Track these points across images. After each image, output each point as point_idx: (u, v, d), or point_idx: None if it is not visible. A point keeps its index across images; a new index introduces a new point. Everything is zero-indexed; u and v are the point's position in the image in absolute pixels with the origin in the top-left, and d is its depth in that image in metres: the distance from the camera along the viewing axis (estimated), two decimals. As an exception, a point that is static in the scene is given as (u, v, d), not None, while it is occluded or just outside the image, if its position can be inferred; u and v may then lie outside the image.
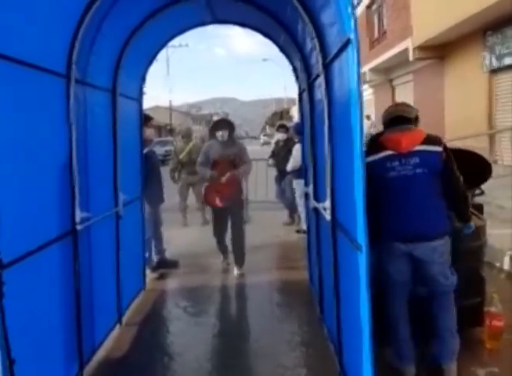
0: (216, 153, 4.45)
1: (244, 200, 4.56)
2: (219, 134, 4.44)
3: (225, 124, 4.55)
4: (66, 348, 2.51)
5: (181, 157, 6.83)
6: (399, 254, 2.48)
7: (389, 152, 2.43)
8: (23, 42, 2.02)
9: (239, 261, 4.62)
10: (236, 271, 4.57)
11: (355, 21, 1.77)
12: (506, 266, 4.34)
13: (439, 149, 2.41)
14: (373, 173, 2.33)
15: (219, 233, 4.68)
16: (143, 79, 4.17)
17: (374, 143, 2.56)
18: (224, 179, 4.37)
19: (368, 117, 14.79)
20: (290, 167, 6.01)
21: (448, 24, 8.99)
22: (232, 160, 4.44)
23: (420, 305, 2.59)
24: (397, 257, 2.49)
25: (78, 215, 2.56)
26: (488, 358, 2.76)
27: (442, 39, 10.06)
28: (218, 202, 4.45)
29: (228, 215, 4.57)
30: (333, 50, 2.26)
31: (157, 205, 4.73)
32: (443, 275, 2.49)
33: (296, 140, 6.03)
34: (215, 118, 4.93)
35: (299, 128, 5.66)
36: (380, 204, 2.44)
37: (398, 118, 2.53)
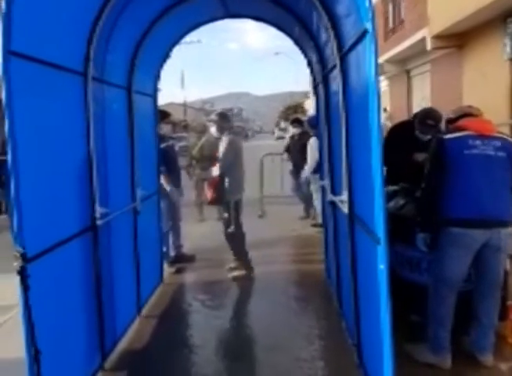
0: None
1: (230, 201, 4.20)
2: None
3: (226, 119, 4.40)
4: (88, 339, 2.58)
5: (194, 153, 6.88)
6: (467, 246, 2.44)
7: (470, 132, 2.46)
8: (41, 41, 2.06)
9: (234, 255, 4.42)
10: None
11: (373, 12, 1.74)
12: (528, 259, 4.24)
13: None
14: (451, 150, 2.42)
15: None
16: (158, 76, 4.20)
17: (450, 129, 2.63)
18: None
19: (385, 110, 14.57)
20: (308, 170, 5.87)
21: (466, 12, 8.74)
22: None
23: (459, 296, 2.57)
24: (464, 251, 2.45)
25: (98, 210, 2.61)
26: (511, 353, 2.71)
27: (460, 27, 9.79)
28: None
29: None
30: (349, 41, 2.23)
31: (176, 199, 4.77)
32: (503, 266, 2.53)
33: (311, 134, 5.99)
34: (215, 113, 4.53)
35: (313, 122, 5.62)
36: (455, 183, 2.43)
37: (470, 115, 2.63)
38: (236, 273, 4.29)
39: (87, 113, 2.56)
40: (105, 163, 2.86)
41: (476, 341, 2.58)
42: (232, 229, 4.18)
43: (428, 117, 3.25)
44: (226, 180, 4.12)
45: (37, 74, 2.04)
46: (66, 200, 2.35)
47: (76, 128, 2.51)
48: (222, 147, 4.16)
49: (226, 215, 4.22)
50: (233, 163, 4.17)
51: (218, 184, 4.14)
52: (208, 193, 4.31)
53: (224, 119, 4.34)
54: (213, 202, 4.26)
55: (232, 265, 4.39)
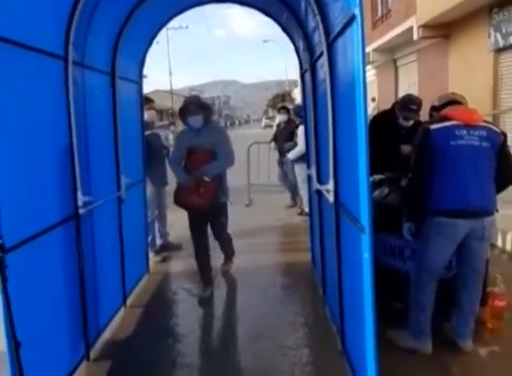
0: (189, 143, 3.54)
1: (226, 202, 3.73)
2: (192, 120, 3.50)
3: (196, 107, 3.51)
4: (71, 330, 2.55)
5: None
6: (452, 236, 2.47)
7: (456, 122, 2.46)
8: (17, 22, 1.97)
9: (227, 255, 4.20)
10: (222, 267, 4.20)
11: (360, -4, 1.71)
12: (508, 247, 4.35)
13: (498, 130, 2.52)
14: (437, 140, 2.43)
15: (198, 246, 3.71)
16: (143, 61, 4.10)
17: (436, 118, 2.64)
18: (191, 180, 3.45)
19: (373, 99, 14.60)
20: (294, 153, 5.88)
21: (453, 2, 8.76)
22: (210, 151, 3.48)
23: (440, 283, 2.62)
24: (449, 241, 2.49)
25: (80, 198, 2.55)
26: (490, 337, 2.79)
27: (447, 17, 9.82)
28: (191, 203, 3.51)
29: (206, 221, 3.72)
30: (337, 27, 2.20)
31: (161, 188, 4.72)
32: (486, 254, 2.58)
33: (297, 122, 5.97)
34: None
35: (299, 110, 5.60)
36: (441, 173, 2.45)
37: (455, 103, 2.64)
38: (230, 266, 4.21)
39: (67, 98, 2.48)
40: (87, 150, 2.79)
41: (456, 327, 2.64)
42: (227, 232, 3.95)
43: (411, 102, 3.36)
44: (224, 177, 3.68)
45: (12, 56, 1.95)
46: (46, 189, 2.29)
47: (57, 114, 2.43)
48: (216, 137, 3.53)
49: (223, 218, 3.77)
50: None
51: (216, 184, 3.51)
52: (200, 197, 3.46)
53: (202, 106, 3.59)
54: (206, 207, 3.48)
55: (224, 264, 4.22)
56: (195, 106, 3.50)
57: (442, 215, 2.45)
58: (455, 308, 2.64)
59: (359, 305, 1.98)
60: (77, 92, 2.58)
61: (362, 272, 1.90)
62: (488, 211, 2.47)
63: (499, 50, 8.86)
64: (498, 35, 8.64)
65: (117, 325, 3.22)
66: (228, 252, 4.20)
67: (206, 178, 3.42)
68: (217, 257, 4.15)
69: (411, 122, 3.37)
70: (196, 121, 3.49)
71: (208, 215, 3.63)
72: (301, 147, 5.74)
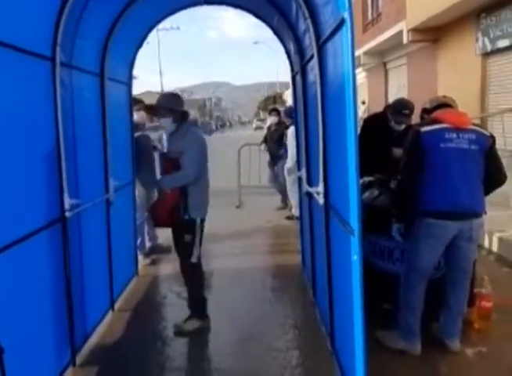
0: (165, 147, 3.08)
1: (195, 220, 3.02)
2: (163, 122, 3.07)
3: (163, 108, 3.01)
4: (57, 335, 2.50)
5: None
6: (442, 237, 2.50)
7: (446, 125, 2.49)
8: (4, 24, 1.93)
9: (189, 305, 3.18)
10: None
11: (350, 0, 1.71)
12: (494, 248, 4.40)
13: (487, 133, 2.55)
14: (427, 143, 2.46)
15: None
16: (132, 62, 4.06)
17: (427, 120, 2.66)
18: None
19: (363, 102, 14.72)
20: (290, 160, 5.77)
21: (442, 6, 8.87)
22: (174, 160, 2.98)
23: (429, 283, 2.64)
24: (438, 242, 2.52)
25: (67, 201, 2.51)
26: (477, 338, 2.82)
27: (436, 22, 9.95)
28: (152, 214, 3.18)
29: (174, 237, 3.19)
30: (327, 30, 2.21)
31: (151, 190, 4.68)
32: (474, 255, 2.60)
33: (288, 124, 5.98)
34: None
35: (290, 112, 5.61)
36: (430, 175, 2.47)
37: (446, 106, 2.67)
38: (189, 327, 3.09)
39: (55, 99, 2.45)
40: (75, 152, 2.75)
41: (444, 328, 2.67)
42: (195, 258, 3.05)
43: (404, 107, 3.38)
44: (191, 191, 2.98)
45: (-1, 57, 1.92)
46: (32, 191, 2.25)
47: (43, 116, 2.39)
48: (183, 145, 2.95)
49: (189, 237, 3.02)
50: (202, 168, 3.02)
51: (177, 198, 2.97)
52: (158, 209, 3.07)
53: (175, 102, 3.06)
54: (165, 223, 3.11)
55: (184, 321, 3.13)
56: (161, 107, 3.03)
57: (431, 217, 2.48)
58: (443, 308, 2.66)
59: (349, 306, 1.98)
60: (64, 93, 2.54)
61: (352, 274, 1.90)
62: (477, 212, 2.51)
63: (486, 54, 9.00)
64: (486, 39, 8.77)
65: (104, 329, 3.18)
66: (192, 300, 3.16)
67: (167, 190, 3.02)
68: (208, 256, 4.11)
69: (403, 126, 3.40)
70: (167, 123, 3.03)
71: (173, 230, 3.17)
72: (291, 151, 5.74)
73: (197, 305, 3.15)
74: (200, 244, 3.09)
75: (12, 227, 2.02)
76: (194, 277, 3.13)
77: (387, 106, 3.60)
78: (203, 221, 3.11)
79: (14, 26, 2.01)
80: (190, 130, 3.09)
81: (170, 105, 3.01)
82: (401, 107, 3.38)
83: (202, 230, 3.10)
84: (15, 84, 2.08)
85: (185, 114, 3.07)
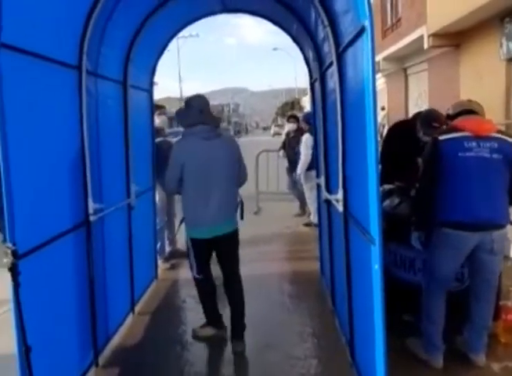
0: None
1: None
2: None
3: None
4: (81, 336, 2.56)
5: None
6: (460, 248, 2.44)
7: (466, 133, 2.42)
8: (34, 33, 2.02)
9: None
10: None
11: (371, 9, 1.72)
12: (521, 259, 4.26)
13: None
14: (445, 151, 2.40)
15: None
16: (154, 70, 4.16)
17: (447, 128, 2.60)
18: None
19: (383, 108, 14.56)
20: (300, 168, 5.82)
21: (464, 11, 8.73)
22: None
23: (453, 296, 2.59)
24: (457, 252, 2.46)
25: (91, 206, 2.58)
26: (503, 352, 2.73)
27: (458, 26, 9.79)
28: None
29: (212, 250, 2.96)
30: (347, 38, 2.22)
31: (171, 195, 4.74)
32: (499, 267, 2.51)
33: (305, 130, 5.97)
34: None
35: (308, 118, 5.60)
36: (449, 184, 2.42)
37: (470, 112, 2.58)
38: (204, 333, 3.09)
39: (81, 107, 2.53)
40: (99, 158, 2.83)
41: (469, 341, 2.59)
42: (194, 272, 3.00)
43: (434, 119, 3.19)
44: (182, 203, 2.84)
45: (28, 67, 2.00)
46: (58, 196, 2.32)
47: (69, 123, 2.47)
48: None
49: (186, 251, 3.02)
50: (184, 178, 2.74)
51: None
52: None
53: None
54: None
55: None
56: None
57: (449, 227, 2.42)
58: (467, 321, 2.59)
59: (369, 316, 1.96)
60: (90, 100, 2.62)
61: (372, 284, 1.88)
62: (497, 224, 2.42)
63: (511, 59, 8.79)
64: (510, 44, 8.57)
65: (125, 332, 3.23)
66: (203, 309, 3.10)
67: None
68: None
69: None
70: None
71: (217, 244, 2.94)
72: (304, 157, 5.74)
73: (207, 315, 3.14)
74: (204, 262, 2.98)
75: (40, 230, 2.09)
76: (197, 291, 3.12)
77: (417, 115, 3.48)
78: (202, 240, 2.82)
79: (42, 36, 2.10)
80: (224, 132, 3.06)
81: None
82: (431, 120, 3.23)
83: (206, 250, 2.91)
84: (44, 92, 2.16)
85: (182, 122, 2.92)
